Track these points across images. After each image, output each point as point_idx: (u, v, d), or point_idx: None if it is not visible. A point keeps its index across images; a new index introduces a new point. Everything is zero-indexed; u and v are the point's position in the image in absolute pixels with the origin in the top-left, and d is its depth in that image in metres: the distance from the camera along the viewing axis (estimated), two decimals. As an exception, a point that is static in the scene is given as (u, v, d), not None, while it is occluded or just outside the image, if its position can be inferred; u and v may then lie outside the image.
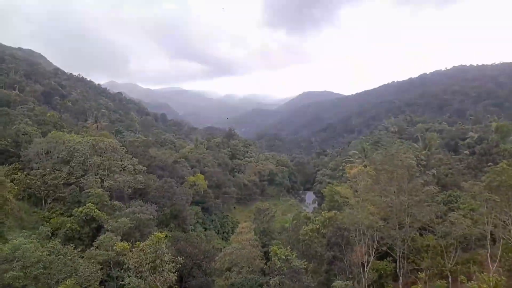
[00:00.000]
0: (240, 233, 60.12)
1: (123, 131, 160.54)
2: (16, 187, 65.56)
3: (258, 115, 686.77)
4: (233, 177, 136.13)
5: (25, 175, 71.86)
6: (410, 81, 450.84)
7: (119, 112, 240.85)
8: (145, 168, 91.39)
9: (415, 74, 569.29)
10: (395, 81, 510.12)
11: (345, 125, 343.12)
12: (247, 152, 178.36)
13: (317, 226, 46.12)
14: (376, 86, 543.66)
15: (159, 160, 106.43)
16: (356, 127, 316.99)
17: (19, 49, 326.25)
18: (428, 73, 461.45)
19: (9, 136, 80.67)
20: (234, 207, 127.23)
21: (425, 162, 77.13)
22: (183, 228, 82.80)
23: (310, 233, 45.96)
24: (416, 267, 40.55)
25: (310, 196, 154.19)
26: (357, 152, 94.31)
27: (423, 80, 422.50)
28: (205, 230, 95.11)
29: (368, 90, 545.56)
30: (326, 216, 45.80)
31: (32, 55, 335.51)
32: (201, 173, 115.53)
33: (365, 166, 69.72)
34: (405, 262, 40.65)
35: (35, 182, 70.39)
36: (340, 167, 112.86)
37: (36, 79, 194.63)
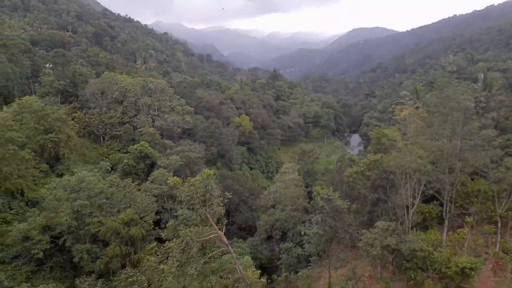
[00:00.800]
0: (284, 173, 61.50)
1: (170, 72, 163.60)
2: (77, 125, 71.22)
3: (303, 54, 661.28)
4: (278, 118, 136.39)
5: (84, 114, 77.35)
6: (474, 14, 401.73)
7: (165, 53, 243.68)
8: (193, 109, 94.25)
9: (480, 5, 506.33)
10: (457, 15, 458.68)
11: (397, 64, 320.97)
12: (292, 93, 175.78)
13: (362, 169, 45.80)
14: (435, 20, 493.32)
15: (206, 101, 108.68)
16: (409, 66, 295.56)
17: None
18: (496, 4, 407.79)
19: (67, 77, 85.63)
20: (279, 148, 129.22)
21: (484, 104, 71.42)
22: (229, 167, 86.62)
23: (355, 175, 45.93)
24: (464, 211, 39.75)
25: (356, 139, 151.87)
26: (408, 93, 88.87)
27: (489, 12, 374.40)
28: (251, 170, 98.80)
29: (425, 26, 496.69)
30: (372, 159, 45.14)
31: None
32: (246, 114, 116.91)
33: (416, 108, 66.20)
34: (452, 206, 39.84)
35: (93, 121, 75.72)
36: (389, 109, 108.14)
37: (86, 20, 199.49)
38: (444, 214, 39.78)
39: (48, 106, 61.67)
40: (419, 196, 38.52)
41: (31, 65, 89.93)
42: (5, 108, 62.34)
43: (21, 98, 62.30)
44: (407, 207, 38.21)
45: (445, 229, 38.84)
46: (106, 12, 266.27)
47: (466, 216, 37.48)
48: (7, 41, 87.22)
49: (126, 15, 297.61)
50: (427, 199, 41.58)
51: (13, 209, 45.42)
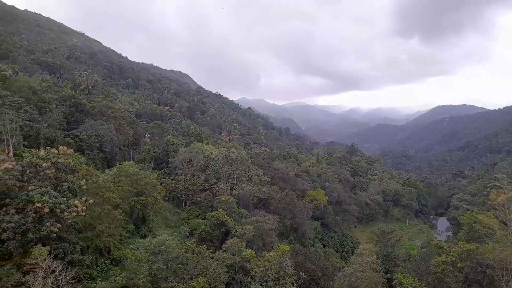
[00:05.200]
0: (361, 255, 57.60)
1: (251, 144, 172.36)
2: (164, 190, 77.36)
3: (383, 130, 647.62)
4: (355, 194, 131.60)
5: (171, 180, 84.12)
6: None
7: (248, 125, 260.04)
8: (269, 180, 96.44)
9: None
10: None
11: (489, 144, 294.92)
12: (370, 169, 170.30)
13: (453, 258, 41.12)
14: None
15: (282, 173, 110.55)
16: (504, 146, 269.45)
17: (172, 71, 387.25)
18: None
19: (161, 146, 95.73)
20: (355, 226, 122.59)
21: None
22: (302, 242, 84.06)
23: (443, 266, 41.28)
24: None
25: (443, 223, 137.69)
26: (505, 176, 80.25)
27: None
28: (324, 247, 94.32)
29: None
30: (464, 248, 40.50)
31: (181, 75, 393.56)
32: (321, 188, 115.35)
33: (517, 194, 59.10)
34: None
35: (178, 186, 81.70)
36: (484, 193, 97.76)
37: (183, 97, 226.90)
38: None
39: (142, 171, 68.79)
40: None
41: (133, 134, 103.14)
42: (107, 171, 71.20)
43: (121, 163, 70.80)
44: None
45: None
46: (200, 90, 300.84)
47: None
48: (117, 114, 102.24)
49: (217, 92, 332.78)
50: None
51: (99, 266, 48.90)
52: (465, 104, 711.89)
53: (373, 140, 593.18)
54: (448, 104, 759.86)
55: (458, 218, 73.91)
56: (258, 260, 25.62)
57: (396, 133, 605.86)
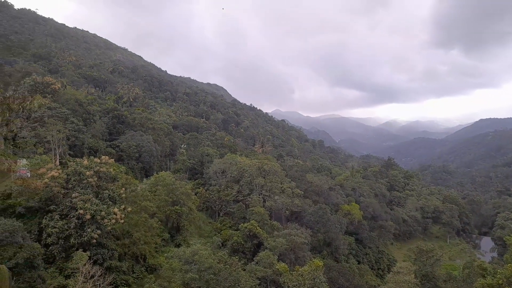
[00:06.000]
0: (398, 273, 55.48)
1: (284, 156, 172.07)
2: (198, 200, 78.92)
3: (421, 144, 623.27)
4: (391, 210, 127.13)
5: (205, 190, 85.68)
6: None
7: (281, 138, 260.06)
8: (302, 192, 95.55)
9: None
10: None
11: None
12: (408, 184, 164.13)
13: (500, 281, 38.64)
14: None
15: (315, 186, 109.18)
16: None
17: (208, 84, 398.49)
18: None
19: (196, 157, 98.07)
20: (391, 243, 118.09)
21: None
22: (335, 257, 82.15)
23: (487, 289, 38.89)
24: None
25: (487, 243, 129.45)
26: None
27: None
28: (358, 263, 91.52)
29: None
30: None
31: (217, 88, 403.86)
32: (356, 202, 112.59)
33: None
34: None
35: (212, 197, 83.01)
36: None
37: (218, 109, 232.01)
38: None
39: (178, 181, 70.68)
40: None
41: (170, 145, 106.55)
42: (145, 180, 73.80)
43: (158, 173, 73.16)
44: None
45: None
46: (234, 102, 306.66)
47: None
48: (156, 125, 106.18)
49: (251, 104, 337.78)
50: None
51: (135, 273, 50.21)
52: (510, 118, 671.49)
53: (411, 154, 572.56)
54: (492, 117, 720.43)
55: (504, 238, 69.44)
56: (291, 274, 25.48)
57: (436, 147, 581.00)
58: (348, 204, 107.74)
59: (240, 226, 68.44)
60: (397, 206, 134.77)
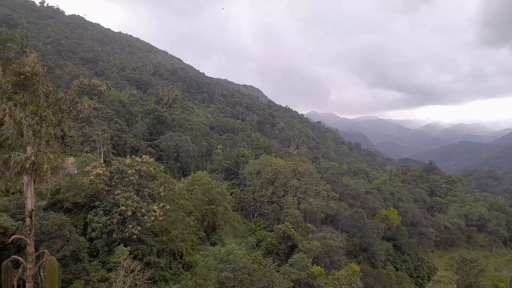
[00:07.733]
0: (439, 282, 53.06)
1: (319, 158, 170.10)
2: (233, 200, 79.97)
3: (466, 148, 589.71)
4: (432, 216, 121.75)
5: (240, 190, 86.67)
6: None
7: (316, 139, 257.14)
8: (337, 195, 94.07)
9: None
10: None
11: None
12: (451, 189, 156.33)
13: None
14: None
15: (351, 189, 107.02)
16: None
17: (244, 85, 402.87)
18: None
19: (232, 157, 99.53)
20: (432, 251, 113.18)
21: None
22: (372, 263, 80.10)
23: (538, 304, 36.35)
24: None
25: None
26: None
27: None
28: (396, 270, 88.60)
29: None
30: None
31: (252, 90, 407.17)
32: (394, 207, 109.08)
33: None
34: None
35: (247, 197, 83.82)
36: None
37: (254, 110, 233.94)
38: None
39: (214, 181, 72.08)
40: None
41: (207, 145, 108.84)
42: (182, 179, 75.95)
43: (195, 172, 75.00)
44: None
45: None
46: (270, 104, 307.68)
47: None
48: (194, 126, 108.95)
49: (286, 106, 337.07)
50: None
51: (172, 269, 51.80)
52: None
53: (454, 158, 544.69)
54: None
55: (559, 252, 64.33)
56: (327, 278, 25.28)
57: (481, 152, 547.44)
58: (385, 209, 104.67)
59: (274, 227, 68.52)
60: (439, 212, 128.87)
